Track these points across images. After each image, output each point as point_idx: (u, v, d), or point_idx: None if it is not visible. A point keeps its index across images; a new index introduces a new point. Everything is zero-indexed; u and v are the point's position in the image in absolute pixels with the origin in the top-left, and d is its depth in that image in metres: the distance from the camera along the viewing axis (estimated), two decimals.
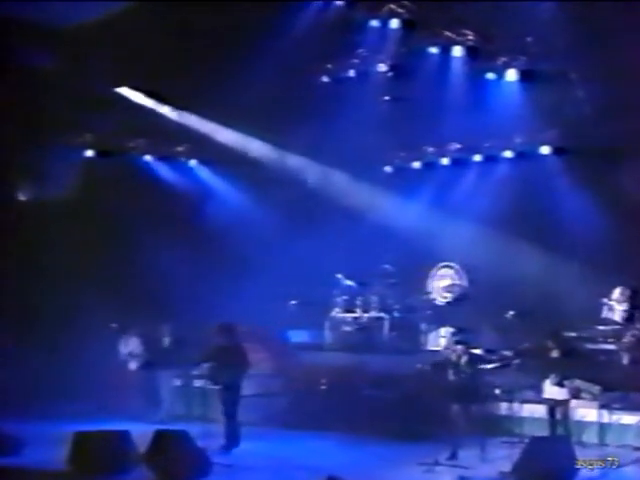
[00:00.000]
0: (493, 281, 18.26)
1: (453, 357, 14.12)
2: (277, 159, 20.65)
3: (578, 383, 14.60)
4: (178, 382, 17.47)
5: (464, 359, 13.99)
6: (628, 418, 14.52)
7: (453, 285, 19.09)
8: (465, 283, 19.01)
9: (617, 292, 16.48)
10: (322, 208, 19.79)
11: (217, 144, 20.55)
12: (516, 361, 14.58)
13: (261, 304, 17.74)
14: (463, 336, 14.55)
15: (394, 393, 15.76)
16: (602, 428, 14.63)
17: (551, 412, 14.07)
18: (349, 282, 18.95)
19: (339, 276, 18.97)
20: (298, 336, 18.77)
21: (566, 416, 14.04)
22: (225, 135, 20.56)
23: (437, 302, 19.08)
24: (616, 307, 16.45)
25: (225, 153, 20.57)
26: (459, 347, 14.12)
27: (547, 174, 18.64)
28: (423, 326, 18.38)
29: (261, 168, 20.43)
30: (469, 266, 19.04)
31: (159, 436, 12.79)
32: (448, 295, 19.06)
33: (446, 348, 14.83)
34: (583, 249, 17.67)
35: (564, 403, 14.05)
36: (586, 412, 14.81)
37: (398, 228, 19.50)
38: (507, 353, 15.35)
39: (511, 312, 17.26)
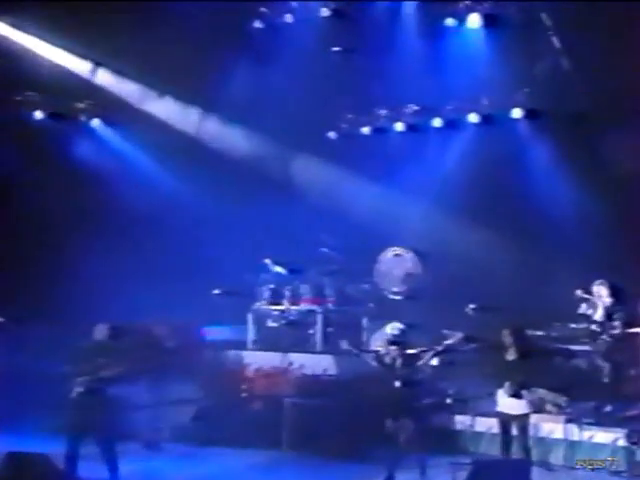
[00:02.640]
0: (451, 269, 17.85)
1: (387, 360, 13.17)
2: (198, 120, 20.04)
3: (541, 393, 13.98)
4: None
5: (399, 362, 13.06)
6: (602, 435, 13.76)
7: (404, 274, 18.43)
8: (418, 271, 18.42)
9: (596, 286, 15.30)
10: (252, 180, 19.15)
11: (125, 102, 19.65)
12: (449, 342, 13.21)
13: (177, 294, 16.84)
14: (400, 335, 13.28)
15: (326, 402, 15.06)
16: (570, 447, 13.92)
17: (504, 428, 12.93)
18: (278, 269, 18.29)
19: (267, 261, 18.34)
20: (218, 332, 18.00)
21: (524, 432, 12.89)
22: (135, 91, 19.75)
23: (384, 293, 18.46)
24: (598, 303, 15.33)
25: (135, 112, 19.72)
26: (393, 348, 13.12)
27: (518, 141, 18.43)
28: (365, 322, 17.67)
29: (178, 131, 19.75)
30: (424, 252, 18.49)
31: (11, 459, 11.54)
32: (397, 285, 18.42)
33: (380, 349, 13.71)
34: (558, 232, 17.32)
35: (521, 418, 12.88)
36: (551, 428, 14.11)
37: (342, 205, 19.02)
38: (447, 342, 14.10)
39: (472, 306, 16.66)
